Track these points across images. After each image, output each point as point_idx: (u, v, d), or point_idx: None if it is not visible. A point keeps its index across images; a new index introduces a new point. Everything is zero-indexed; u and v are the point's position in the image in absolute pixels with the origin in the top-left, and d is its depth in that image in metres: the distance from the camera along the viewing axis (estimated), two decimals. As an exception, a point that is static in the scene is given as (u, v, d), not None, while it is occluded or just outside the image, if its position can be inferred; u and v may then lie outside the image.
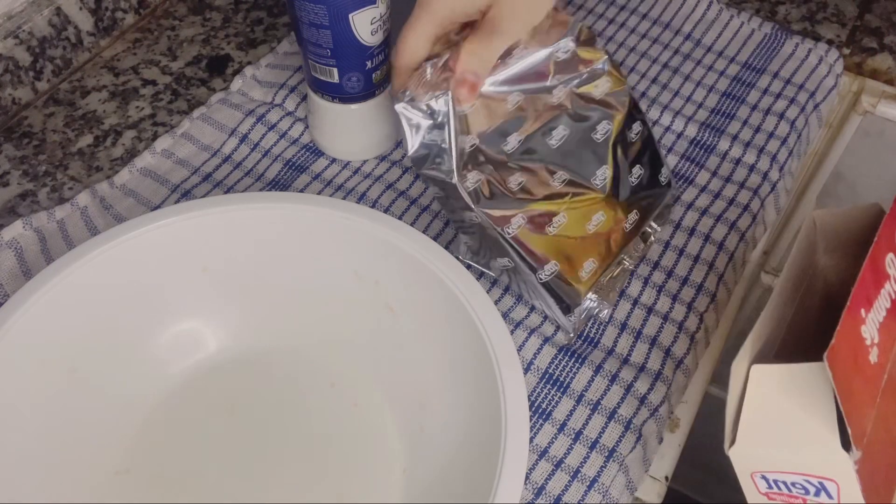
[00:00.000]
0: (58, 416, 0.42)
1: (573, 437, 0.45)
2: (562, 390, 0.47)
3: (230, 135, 0.57)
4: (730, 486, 0.87)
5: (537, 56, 0.49)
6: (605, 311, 0.50)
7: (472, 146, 0.46)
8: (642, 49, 0.65)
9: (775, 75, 0.63)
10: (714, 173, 0.58)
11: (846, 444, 0.34)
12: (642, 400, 0.46)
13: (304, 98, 0.59)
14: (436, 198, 0.48)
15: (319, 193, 0.55)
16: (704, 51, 0.65)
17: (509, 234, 0.46)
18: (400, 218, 0.54)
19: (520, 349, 0.48)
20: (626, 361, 0.48)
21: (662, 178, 0.52)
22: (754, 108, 0.61)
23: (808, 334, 0.43)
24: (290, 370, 0.48)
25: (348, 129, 0.55)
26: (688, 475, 1.23)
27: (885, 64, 0.66)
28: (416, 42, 0.45)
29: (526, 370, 0.47)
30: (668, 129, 0.60)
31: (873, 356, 0.36)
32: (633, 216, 0.50)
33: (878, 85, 0.67)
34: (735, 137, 0.59)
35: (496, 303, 0.49)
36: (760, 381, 0.37)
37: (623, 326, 0.50)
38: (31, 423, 0.42)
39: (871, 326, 0.36)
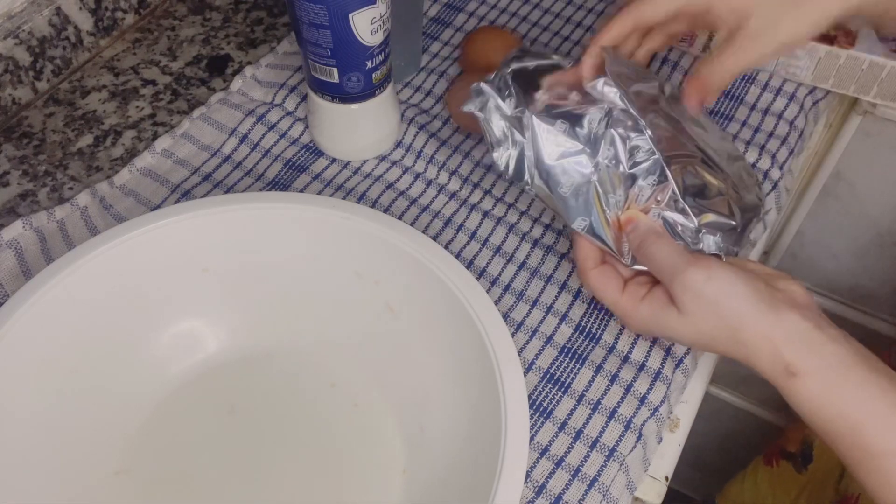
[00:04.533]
0: (58, 416, 0.42)
1: (574, 435, 0.45)
2: (563, 390, 0.47)
3: (230, 135, 0.57)
4: (730, 485, 0.86)
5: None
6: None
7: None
8: (642, 49, 0.65)
9: (774, 71, 0.63)
10: (714, 173, 0.58)
11: None
12: (642, 399, 0.46)
13: (304, 98, 0.59)
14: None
15: (319, 193, 0.55)
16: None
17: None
18: (400, 218, 0.54)
19: (521, 350, 0.48)
20: (626, 360, 0.48)
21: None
22: (753, 107, 0.61)
23: None
24: (290, 370, 0.48)
25: (348, 129, 0.55)
26: (688, 475, 1.23)
27: (885, 64, 0.66)
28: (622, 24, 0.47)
29: (527, 370, 0.47)
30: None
31: None
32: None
33: (878, 85, 0.67)
34: (735, 137, 0.59)
35: (496, 303, 0.49)
36: None
37: (623, 326, 0.50)
38: (32, 423, 0.42)
39: None
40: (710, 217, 0.46)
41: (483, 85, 0.47)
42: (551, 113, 0.46)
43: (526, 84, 0.46)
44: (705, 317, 0.42)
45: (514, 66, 0.47)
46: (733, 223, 0.46)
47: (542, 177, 0.45)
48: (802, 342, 0.41)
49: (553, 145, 0.45)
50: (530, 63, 0.48)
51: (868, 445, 0.39)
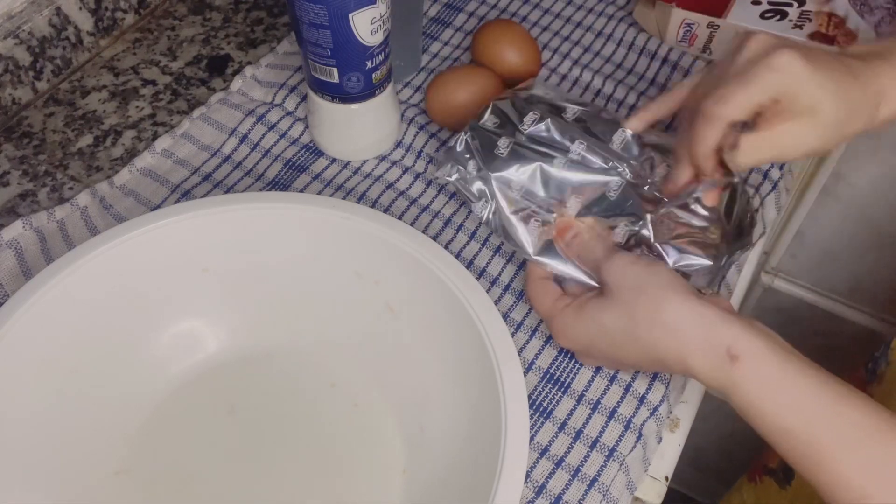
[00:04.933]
0: (58, 416, 0.42)
1: (573, 435, 0.45)
2: (562, 390, 0.47)
3: (230, 135, 0.57)
4: (729, 486, 0.87)
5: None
6: None
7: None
8: (640, 44, 0.65)
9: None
10: (714, 173, 0.58)
11: None
12: (641, 399, 0.46)
13: (304, 98, 0.59)
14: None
15: (319, 193, 0.55)
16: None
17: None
18: (400, 218, 0.54)
19: (521, 350, 0.48)
20: (626, 361, 0.48)
21: None
22: (754, 107, 0.61)
23: None
24: (290, 370, 0.48)
25: (348, 129, 0.55)
26: (688, 475, 1.24)
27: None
28: (738, 107, 0.41)
29: (527, 370, 0.47)
30: (669, 126, 0.60)
31: None
32: None
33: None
34: (735, 137, 0.59)
35: (496, 303, 0.49)
36: None
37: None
38: (32, 423, 0.42)
39: None
40: (684, 259, 0.47)
41: (447, 152, 0.50)
42: (510, 170, 0.49)
43: (486, 143, 0.49)
44: (628, 294, 0.41)
45: (475, 125, 0.50)
46: (707, 262, 0.47)
47: (506, 229, 0.48)
48: (738, 323, 0.38)
49: (511, 201, 0.48)
50: (491, 122, 0.50)
51: (818, 438, 0.36)
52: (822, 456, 0.37)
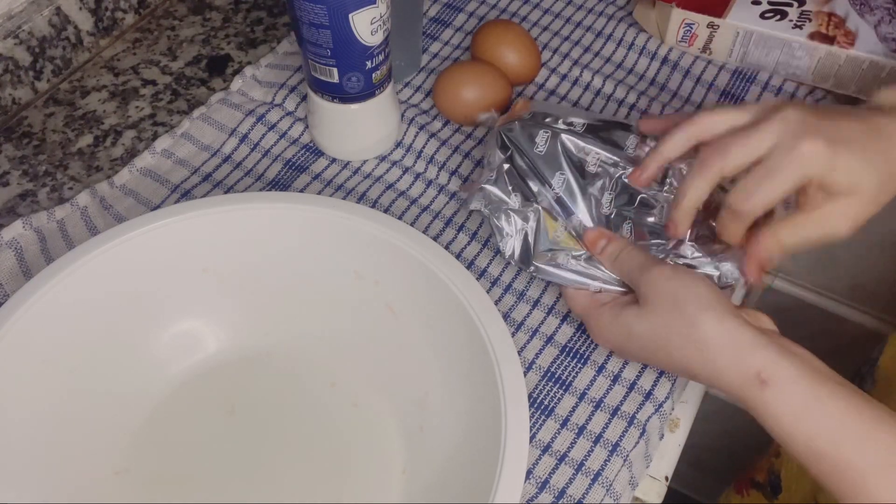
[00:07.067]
0: (58, 416, 0.42)
1: (576, 432, 0.45)
2: (564, 388, 0.47)
3: (230, 135, 0.57)
4: (729, 486, 0.87)
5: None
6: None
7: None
8: (640, 44, 0.65)
9: (774, 70, 0.63)
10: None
11: None
12: (647, 395, 0.46)
13: (304, 98, 0.59)
14: None
15: (319, 193, 0.55)
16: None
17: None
18: (400, 218, 0.54)
19: (521, 350, 0.48)
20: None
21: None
22: (754, 107, 0.61)
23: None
24: (290, 370, 0.48)
25: (348, 129, 0.55)
26: (688, 475, 1.23)
27: (885, 64, 0.66)
28: (702, 186, 0.43)
29: (527, 370, 0.47)
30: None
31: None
32: None
33: (878, 85, 0.67)
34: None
35: (496, 303, 0.49)
36: None
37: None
38: (31, 424, 0.42)
39: None
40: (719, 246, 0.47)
41: (487, 186, 0.48)
42: (561, 203, 0.48)
43: (525, 176, 0.49)
44: (663, 309, 0.41)
45: (508, 164, 0.49)
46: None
47: (549, 257, 0.47)
48: (770, 347, 0.39)
49: (552, 232, 0.48)
50: (523, 157, 0.49)
51: (849, 462, 0.37)
52: (854, 480, 0.37)
